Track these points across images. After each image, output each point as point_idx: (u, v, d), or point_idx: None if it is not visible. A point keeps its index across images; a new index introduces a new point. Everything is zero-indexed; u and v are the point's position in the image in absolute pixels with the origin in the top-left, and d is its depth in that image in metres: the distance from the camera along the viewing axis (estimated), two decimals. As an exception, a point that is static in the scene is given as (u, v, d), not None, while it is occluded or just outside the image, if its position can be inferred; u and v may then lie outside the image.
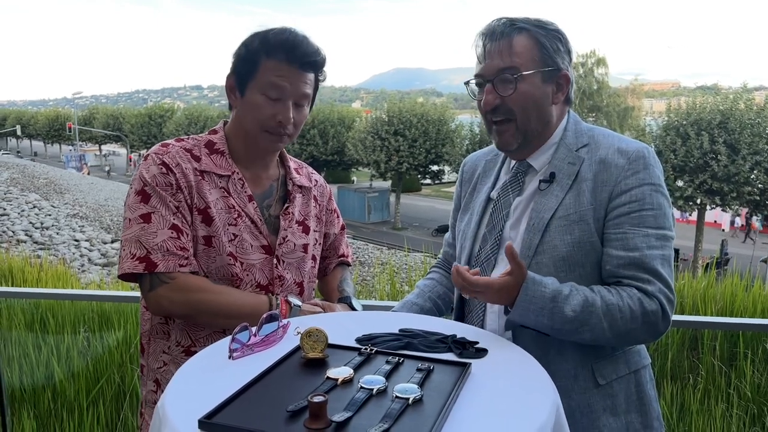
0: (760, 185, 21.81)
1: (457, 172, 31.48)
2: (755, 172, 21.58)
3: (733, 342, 2.84)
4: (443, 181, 37.37)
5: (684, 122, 22.31)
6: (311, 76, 1.50)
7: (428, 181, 34.85)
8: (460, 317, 1.53)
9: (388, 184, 35.78)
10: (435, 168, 33.05)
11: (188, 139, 1.56)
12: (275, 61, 1.45)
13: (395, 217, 32.39)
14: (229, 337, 1.23)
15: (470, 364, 1.09)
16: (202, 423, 0.90)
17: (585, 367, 1.34)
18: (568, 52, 1.40)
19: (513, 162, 1.48)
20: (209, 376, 1.10)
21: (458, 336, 1.24)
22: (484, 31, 1.39)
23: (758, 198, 22.13)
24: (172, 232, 1.42)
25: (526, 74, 1.34)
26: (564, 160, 1.38)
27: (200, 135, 1.59)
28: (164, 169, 1.45)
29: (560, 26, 1.41)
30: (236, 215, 1.50)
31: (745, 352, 2.77)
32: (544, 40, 1.36)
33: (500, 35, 1.36)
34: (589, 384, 1.34)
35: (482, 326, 1.42)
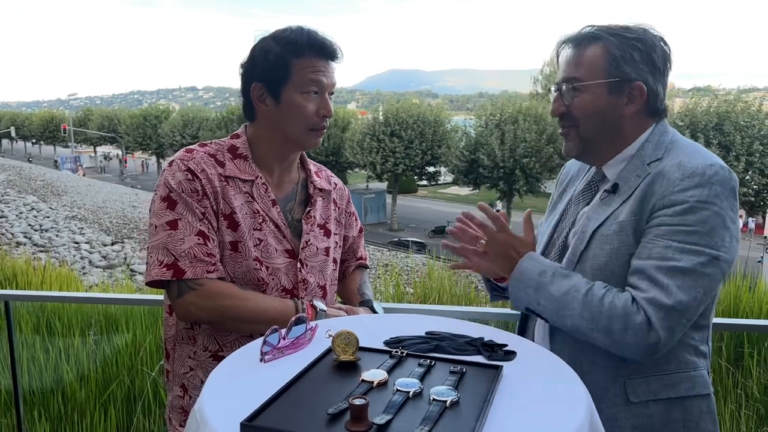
0: (755, 186, 21.95)
1: (452, 174, 31.39)
2: (750, 173, 21.72)
3: (739, 343, 2.87)
4: (439, 182, 37.42)
5: (680, 124, 22.43)
6: (335, 66, 1.54)
7: (425, 182, 34.91)
8: (522, 331, 1.55)
9: (384, 185, 35.81)
10: (431, 169, 33.10)
11: (211, 143, 1.57)
12: (307, 59, 1.48)
13: (392, 219, 32.41)
14: (258, 340, 1.24)
15: (502, 366, 1.10)
16: (244, 426, 0.91)
17: (617, 381, 1.34)
18: (651, 61, 1.35)
19: (593, 170, 1.49)
20: (243, 379, 1.11)
21: (486, 338, 1.25)
22: (562, 38, 1.41)
23: (753, 199, 22.27)
24: (198, 239, 1.43)
25: (587, 84, 1.36)
26: (633, 172, 1.36)
27: (222, 139, 1.60)
28: (190, 176, 1.46)
29: (652, 32, 1.37)
30: (261, 220, 1.51)
31: (750, 353, 2.79)
32: (615, 50, 1.34)
33: (575, 44, 1.39)
34: (619, 400, 1.33)
35: (532, 338, 1.47)
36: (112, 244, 24.48)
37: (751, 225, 27.38)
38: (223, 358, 1.48)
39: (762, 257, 17.30)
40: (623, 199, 1.35)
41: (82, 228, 27.04)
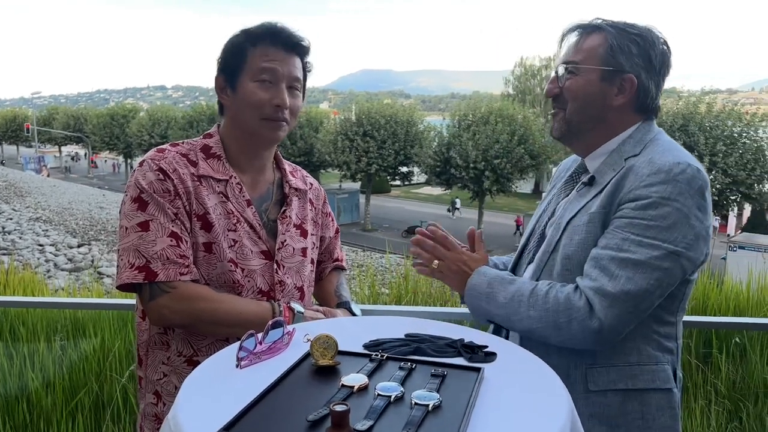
0: (718, 185, 22.55)
1: (426, 174, 31.56)
2: (713, 172, 22.30)
3: (707, 339, 2.93)
4: (413, 182, 37.55)
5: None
6: (298, 60, 1.51)
7: (398, 182, 34.97)
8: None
9: (357, 185, 35.76)
10: (404, 169, 33.17)
11: (183, 143, 1.53)
12: (261, 47, 1.46)
13: (365, 219, 32.38)
14: (233, 345, 1.21)
15: (483, 368, 1.09)
16: (221, 435, 0.89)
17: (579, 368, 1.37)
18: (647, 58, 1.38)
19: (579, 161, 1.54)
20: (219, 386, 1.08)
21: (466, 340, 1.24)
22: (569, 25, 1.46)
23: (716, 198, 22.87)
24: (171, 240, 1.39)
25: (581, 67, 1.39)
26: (610, 166, 1.40)
27: (195, 139, 1.56)
28: (161, 175, 1.42)
29: (655, 32, 1.39)
30: (235, 221, 1.48)
31: (718, 350, 2.85)
32: (614, 41, 1.37)
33: (578, 32, 1.43)
34: (579, 386, 1.35)
35: (507, 336, 1.49)
36: (79, 246, 23.92)
37: (715, 224, 28.14)
38: (198, 363, 1.44)
39: (726, 255, 17.78)
40: (596, 191, 1.39)
41: (47, 230, 26.38)
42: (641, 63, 1.38)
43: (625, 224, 1.30)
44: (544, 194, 1.70)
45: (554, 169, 1.77)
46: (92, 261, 21.27)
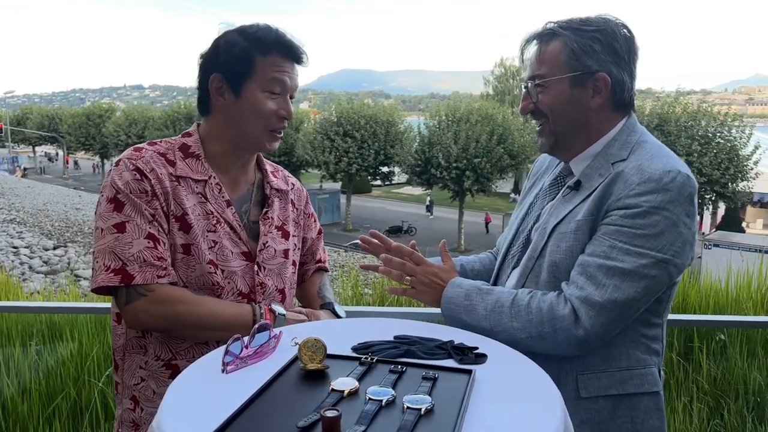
0: (694, 184, 22.91)
1: (406, 174, 31.57)
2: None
3: (689, 336, 2.96)
4: (393, 182, 37.54)
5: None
6: (299, 69, 1.50)
7: (378, 182, 34.93)
8: None
9: (338, 185, 35.65)
10: (385, 169, 33.14)
11: (161, 142, 1.50)
12: (273, 58, 1.43)
13: (346, 219, 32.30)
14: (219, 349, 1.18)
15: (474, 370, 1.08)
16: (207, 443, 0.86)
17: (569, 376, 1.35)
18: (613, 52, 1.35)
19: (562, 164, 1.50)
20: (204, 392, 1.05)
21: (456, 341, 1.22)
22: (526, 37, 1.42)
23: (692, 197, 23.26)
24: (148, 242, 1.35)
25: (550, 80, 1.36)
26: (596, 171, 1.37)
27: (173, 138, 1.53)
28: (138, 175, 1.38)
29: (613, 22, 1.36)
30: (215, 221, 1.44)
31: (700, 347, 2.88)
32: (574, 45, 1.34)
33: (536, 42, 1.40)
34: (570, 394, 1.34)
35: None
36: (54, 248, 23.49)
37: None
38: (176, 367, 1.42)
39: (701, 253, 18.08)
40: (583, 197, 1.36)
41: (22, 232, 25.87)
42: (609, 59, 1.35)
43: (613, 231, 1.29)
44: (522, 191, 1.67)
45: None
46: (69, 263, 20.90)
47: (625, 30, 1.37)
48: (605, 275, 1.26)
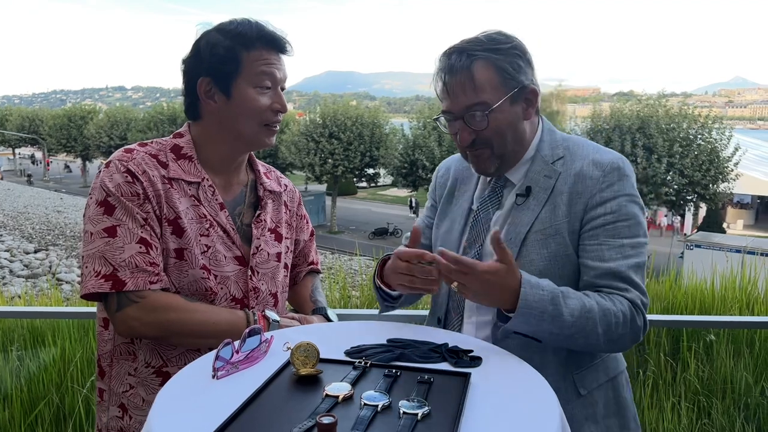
0: (675, 186, 23.17)
1: (392, 176, 31.45)
2: (671, 173, 22.91)
3: (676, 336, 2.98)
4: (379, 184, 37.53)
5: (606, 126, 23.42)
6: (285, 59, 1.47)
7: (364, 184, 34.86)
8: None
9: (323, 187, 35.55)
10: (370, 171, 33.11)
11: (152, 143, 1.46)
12: (258, 52, 1.40)
13: (332, 221, 32.21)
14: (209, 355, 1.15)
15: (470, 374, 1.06)
16: (200, 452, 0.83)
17: (566, 379, 1.36)
18: (529, 63, 1.39)
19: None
20: (195, 398, 1.02)
21: (450, 344, 1.21)
22: (441, 67, 1.37)
23: (674, 198, 23.51)
24: (140, 247, 1.32)
25: (495, 107, 1.34)
26: (540, 173, 1.40)
27: (164, 139, 1.49)
28: (129, 178, 1.34)
29: (514, 36, 1.39)
30: (208, 225, 1.41)
31: (688, 347, 2.90)
32: (504, 64, 1.34)
33: (459, 69, 1.34)
34: (571, 395, 1.36)
35: None
36: (36, 251, 23.15)
37: (666, 222, 28.82)
38: (167, 374, 1.38)
39: (683, 253, 18.28)
40: (542, 200, 1.38)
41: (1, 235, 25.45)
42: (530, 70, 1.39)
43: (611, 230, 1.33)
44: (439, 204, 1.59)
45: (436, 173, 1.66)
46: (50, 267, 20.59)
47: (517, 37, 1.41)
48: (636, 274, 1.33)
